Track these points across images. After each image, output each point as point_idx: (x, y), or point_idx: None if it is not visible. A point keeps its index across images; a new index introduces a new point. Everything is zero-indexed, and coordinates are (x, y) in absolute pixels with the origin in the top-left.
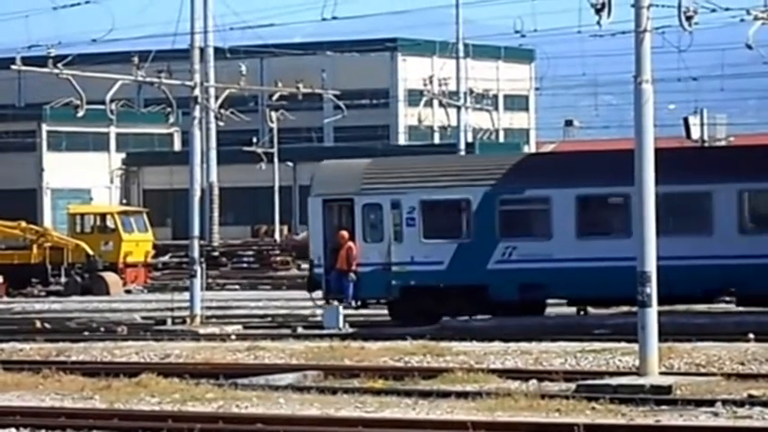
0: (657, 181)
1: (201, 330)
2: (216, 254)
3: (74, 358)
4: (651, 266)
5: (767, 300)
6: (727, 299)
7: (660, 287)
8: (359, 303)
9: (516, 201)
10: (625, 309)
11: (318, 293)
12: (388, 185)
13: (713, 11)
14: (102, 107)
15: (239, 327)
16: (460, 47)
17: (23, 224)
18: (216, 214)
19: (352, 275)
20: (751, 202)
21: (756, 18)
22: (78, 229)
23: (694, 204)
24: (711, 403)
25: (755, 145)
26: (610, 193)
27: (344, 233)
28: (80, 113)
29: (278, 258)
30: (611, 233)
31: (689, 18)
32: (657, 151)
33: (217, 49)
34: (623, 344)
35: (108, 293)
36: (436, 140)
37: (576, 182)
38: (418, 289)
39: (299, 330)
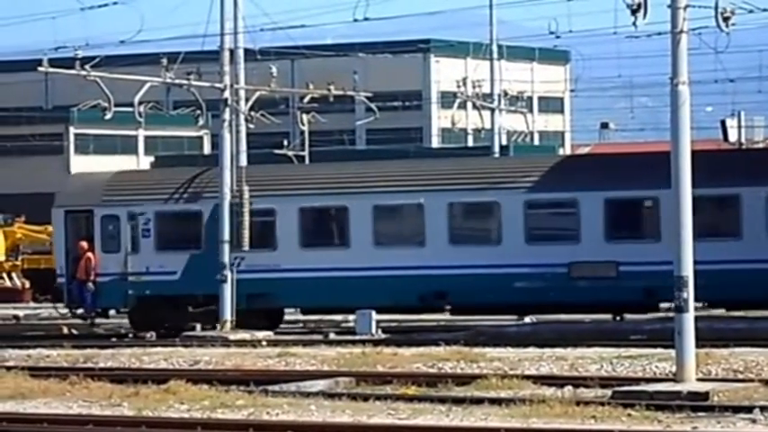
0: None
1: (231, 336)
2: None
3: (101, 365)
4: (688, 271)
5: (478, 308)
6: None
7: (379, 296)
8: (98, 312)
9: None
10: (661, 314)
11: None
12: (125, 197)
13: (751, 11)
14: (130, 109)
15: (270, 332)
16: (494, 48)
17: (50, 228)
18: (246, 218)
19: (91, 285)
20: (460, 215)
21: None
22: None
23: (408, 216)
24: (749, 410)
25: (466, 157)
26: (331, 206)
27: (84, 243)
28: (108, 116)
29: None
30: (332, 244)
31: (726, 19)
32: (375, 164)
33: (247, 51)
34: (660, 350)
35: None
36: (470, 143)
37: (299, 194)
38: (153, 298)
39: (331, 336)
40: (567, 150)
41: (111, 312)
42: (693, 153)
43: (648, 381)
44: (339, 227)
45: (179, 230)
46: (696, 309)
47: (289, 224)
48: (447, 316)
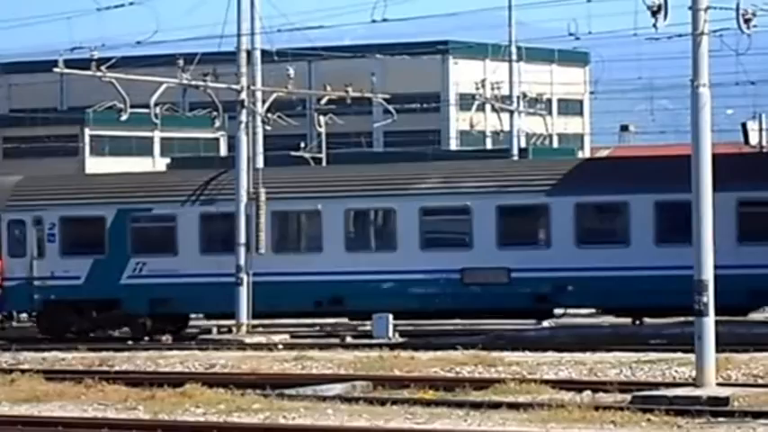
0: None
1: (248, 339)
2: None
3: (117, 368)
4: (708, 275)
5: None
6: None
7: (277, 301)
8: (5, 316)
9: (146, 218)
10: (681, 318)
11: None
12: (31, 202)
13: None
14: (146, 111)
15: (286, 336)
16: (513, 50)
17: None
18: (262, 220)
19: None
20: (356, 221)
21: None
22: None
23: (306, 222)
24: None
25: (357, 167)
26: (230, 212)
27: None
28: (124, 117)
29: None
30: (232, 250)
31: (747, 20)
32: (274, 170)
33: (264, 52)
34: (679, 354)
35: None
36: (488, 146)
37: (199, 200)
38: (58, 303)
39: (348, 340)
40: (586, 153)
41: (23, 316)
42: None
43: (668, 385)
44: (233, 233)
45: (83, 235)
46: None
47: (189, 230)
48: (464, 320)
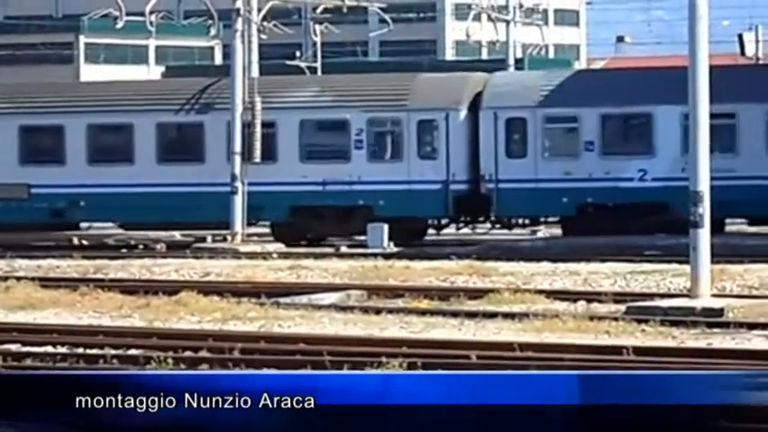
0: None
1: (242, 248)
2: None
3: (112, 276)
4: (704, 186)
5: None
6: None
7: None
8: None
9: None
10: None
11: None
12: None
13: None
14: (141, 19)
15: (281, 245)
16: None
17: None
18: (258, 129)
19: None
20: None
21: None
22: None
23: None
24: (764, 326)
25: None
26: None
27: None
28: (119, 25)
29: None
30: None
31: None
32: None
33: None
34: (674, 265)
35: None
36: (484, 56)
37: None
38: None
39: (343, 249)
40: (582, 64)
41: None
42: None
43: (663, 296)
44: None
45: None
46: None
47: None
48: (460, 231)
